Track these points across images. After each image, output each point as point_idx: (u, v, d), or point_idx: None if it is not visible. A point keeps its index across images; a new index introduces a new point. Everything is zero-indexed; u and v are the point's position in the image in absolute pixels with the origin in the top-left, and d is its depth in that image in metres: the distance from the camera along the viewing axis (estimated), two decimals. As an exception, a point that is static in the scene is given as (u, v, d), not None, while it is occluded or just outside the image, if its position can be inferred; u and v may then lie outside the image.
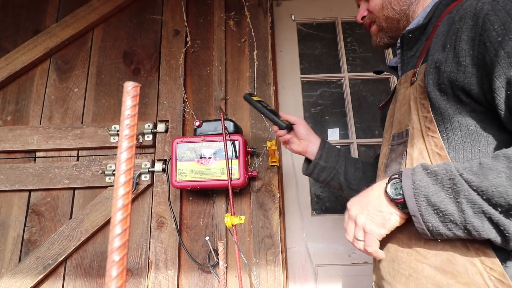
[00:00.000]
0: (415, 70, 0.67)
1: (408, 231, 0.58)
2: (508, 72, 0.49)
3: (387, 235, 0.59)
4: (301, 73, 1.53)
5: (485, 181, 0.46)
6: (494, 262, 0.49)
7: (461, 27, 0.56)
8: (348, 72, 1.55)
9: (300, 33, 1.62)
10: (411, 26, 0.73)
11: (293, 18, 1.60)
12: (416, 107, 0.63)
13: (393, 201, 0.55)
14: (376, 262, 0.68)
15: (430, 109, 0.60)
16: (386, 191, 0.56)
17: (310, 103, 1.58)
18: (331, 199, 1.44)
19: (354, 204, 0.62)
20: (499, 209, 0.45)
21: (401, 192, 0.53)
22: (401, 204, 0.54)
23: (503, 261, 0.49)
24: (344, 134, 1.58)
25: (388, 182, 0.56)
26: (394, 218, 0.56)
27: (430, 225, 0.51)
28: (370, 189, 0.61)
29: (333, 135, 1.68)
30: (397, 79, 0.78)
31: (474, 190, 0.47)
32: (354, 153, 1.44)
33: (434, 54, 0.61)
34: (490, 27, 0.51)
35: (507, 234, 0.45)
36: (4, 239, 1.21)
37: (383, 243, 0.62)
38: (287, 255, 1.29)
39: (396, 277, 0.58)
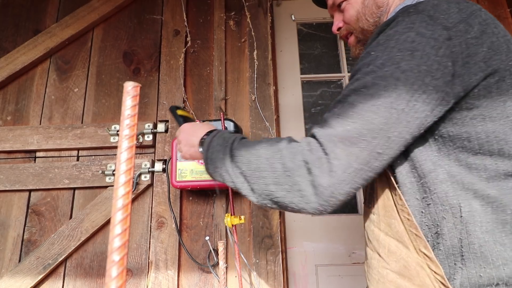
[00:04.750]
0: None
1: (377, 241, 0.64)
2: None
3: (367, 246, 0.69)
4: (301, 73, 1.53)
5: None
6: (437, 266, 0.55)
7: None
8: (348, 72, 1.55)
9: (300, 33, 1.62)
10: None
11: (293, 18, 1.60)
12: None
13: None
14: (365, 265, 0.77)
15: None
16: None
17: (310, 103, 1.59)
18: (331, 199, 1.44)
19: (185, 132, 0.78)
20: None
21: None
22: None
23: (451, 273, 0.54)
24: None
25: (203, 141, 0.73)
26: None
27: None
28: (198, 130, 0.76)
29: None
30: None
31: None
32: (354, 153, 1.44)
33: None
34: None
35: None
36: (4, 239, 1.21)
37: (366, 251, 0.71)
38: (287, 255, 1.29)
39: (371, 281, 0.66)
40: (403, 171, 0.59)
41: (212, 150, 0.66)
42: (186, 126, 0.79)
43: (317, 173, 0.50)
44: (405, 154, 0.58)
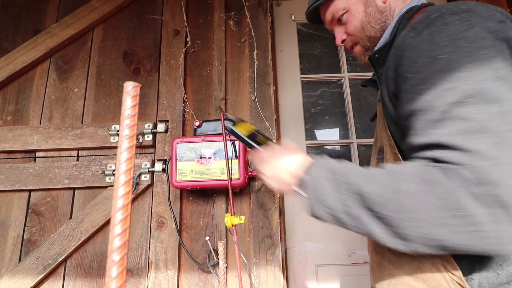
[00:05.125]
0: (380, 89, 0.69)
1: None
2: (407, 107, 0.54)
3: (375, 247, 0.66)
4: (301, 73, 1.53)
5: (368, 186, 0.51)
6: (454, 266, 0.53)
7: (391, 57, 0.60)
8: (348, 72, 1.55)
9: (300, 33, 1.62)
10: (378, 46, 0.74)
11: (293, 18, 1.60)
12: (384, 124, 0.67)
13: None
14: (371, 266, 0.73)
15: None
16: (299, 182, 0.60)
17: (310, 103, 1.59)
18: (331, 199, 1.44)
19: (268, 163, 0.66)
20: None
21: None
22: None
23: (468, 273, 0.53)
24: (344, 134, 1.58)
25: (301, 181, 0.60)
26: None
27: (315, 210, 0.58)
28: (287, 162, 0.64)
29: (333, 135, 1.68)
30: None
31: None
32: (354, 153, 1.44)
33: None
34: (403, 62, 0.56)
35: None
36: (4, 239, 1.21)
37: (373, 252, 0.68)
38: (287, 255, 1.29)
39: (381, 283, 0.64)
40: None
41: (323, 192, 0.55)
42: (267, 155, 0.67)
43: (498, 210, 0.42)
44: None
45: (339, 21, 0.79)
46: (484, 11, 0.53)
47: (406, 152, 0.60)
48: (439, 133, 0.48)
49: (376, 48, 0.75)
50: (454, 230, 0.44)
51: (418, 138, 0.51)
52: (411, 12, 0.69)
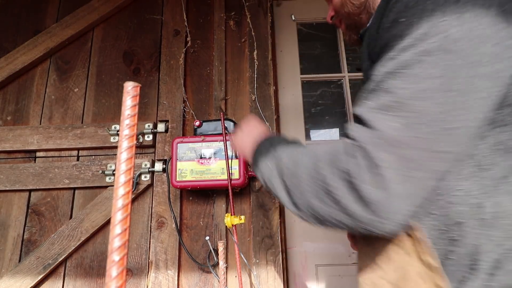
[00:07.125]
0: None
1: (373, 247, 0.57)
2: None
3: (360, 251, 0.63)
4: (301, 73, 1.53)
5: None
6: (441, 277, 0.47)
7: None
8: (348, 72, 1.55)
9: (300, 33, 1.62)
10: (369, 24, 0.70)
11: (293, 18, 1.60)
12: None
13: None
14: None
15: None
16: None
17: (310, 103, 1.59)
18: (331, 199, 1.44)
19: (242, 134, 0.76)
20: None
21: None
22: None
23: (458, 287, 0.47)
24: (344, 134, 1.58)
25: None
26: None
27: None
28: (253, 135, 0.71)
29: (333, 135, 1.68)
30: None
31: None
32: (354, 153, 1.44)
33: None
34: None
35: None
36: (4, 239, 1.21)
37: (360, 259, 0.63)
38: (287, 255, 1.29)
39: None
40: None
41: (259, 160, 0.61)
42: (243, 128, 0.77)
43: (364, 188, 0.41)
44: None
45: None
46: None
47: None
48: (365, 105, 0.47)
49: (368, 25, 0.72)
50: (327, 204, 0.45)
51: (354, 108, 0.51)
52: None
